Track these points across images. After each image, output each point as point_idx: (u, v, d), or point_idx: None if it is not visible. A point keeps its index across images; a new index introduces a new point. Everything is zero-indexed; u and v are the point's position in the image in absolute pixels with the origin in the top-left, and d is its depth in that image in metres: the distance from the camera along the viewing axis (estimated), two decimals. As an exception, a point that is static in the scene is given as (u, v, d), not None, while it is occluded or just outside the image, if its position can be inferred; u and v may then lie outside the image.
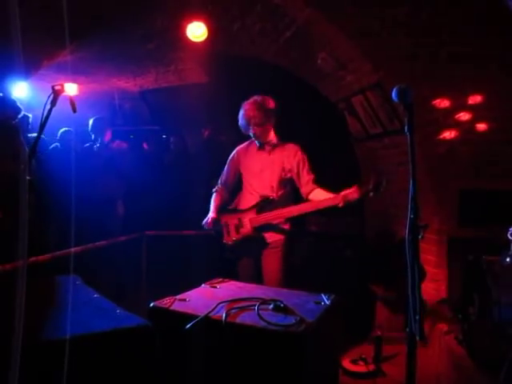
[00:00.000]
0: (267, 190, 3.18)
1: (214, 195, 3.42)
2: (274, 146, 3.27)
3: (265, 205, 3.13)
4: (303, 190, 3.18)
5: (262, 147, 3.27)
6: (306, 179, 3.18)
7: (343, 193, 2.89)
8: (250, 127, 3.17)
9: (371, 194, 2.83)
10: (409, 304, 1.57)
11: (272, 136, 3.29)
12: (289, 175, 3.20)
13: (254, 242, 3.15)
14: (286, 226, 3.22)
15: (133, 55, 5.34)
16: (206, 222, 3.25)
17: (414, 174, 1.66)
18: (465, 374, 2.81)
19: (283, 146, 3.28)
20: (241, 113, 3.21)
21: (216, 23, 4.21)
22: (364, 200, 2.99)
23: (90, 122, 5.45)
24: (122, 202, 5.62)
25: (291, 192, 3.25)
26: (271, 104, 3.21)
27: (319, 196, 3.06)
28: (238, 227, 3.16)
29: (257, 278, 3.15)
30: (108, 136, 5.53)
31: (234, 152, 3.42)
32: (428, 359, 3.19)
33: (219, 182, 3.46)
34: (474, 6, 3.49)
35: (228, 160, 3.43)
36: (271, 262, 3.15)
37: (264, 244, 3.15)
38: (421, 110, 3.59)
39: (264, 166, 3.22)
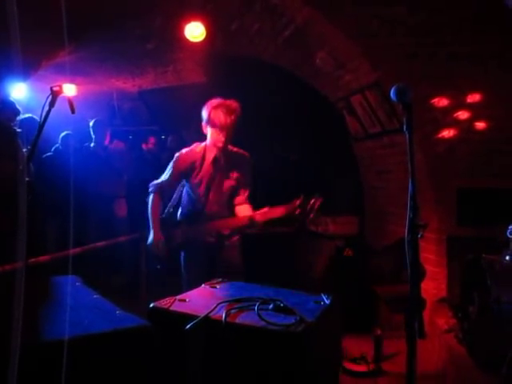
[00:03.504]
0: (210, 202, 3.03)
1: (151, 201, 3.11)
2: (228, 157, 3.04)
3: (195, 219, 3.02)
4: (237, 199, 3.07)
5: (217, 160, 3.02)
6: (244, 191, 3.08)
7: (251, 214, 2.88)
8: (220, 136, 2.92)
9: (297, 211, 2.73)
10: (409, 303, 1.57)
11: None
12: (232, 186, 3.05)
13: (193, 252, 3.04)
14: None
15: (131, 55, 5.34)
16: (156, 246, 2.99)
17: (413, 173, 1.66)
18: (465, 372, 2.81)
19: (237, 155, 3.09)
20: (211, 114, 2.91)
21: (214, 23, 4.21)
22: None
23: (91, 123, 5.47)
24: (125, 201, 5.64)
25: (229, 206, 3.10)
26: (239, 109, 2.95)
27: (244, 212, 2.99)
28: (169, 241, 3.03)
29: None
30: (107, 138, 5.57)
31: (188, 154, 3.08)
32: (428, 358, 3.19)
33: (157, 185, 3.14)
34: (472, 5, 3.49)
35: (178, 160, 3.09)
36: (234, 266, 3.07)
37: (215, 250, 3.05)
38: (419, 109, 3.59)
39: (214, 179, 3.03)
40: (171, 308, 2.01)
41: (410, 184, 1.65)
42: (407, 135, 1.68)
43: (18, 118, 3.81)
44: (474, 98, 3.73)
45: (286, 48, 4.61)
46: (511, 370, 2.26)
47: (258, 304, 1.98)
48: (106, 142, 5.52)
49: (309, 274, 4.70)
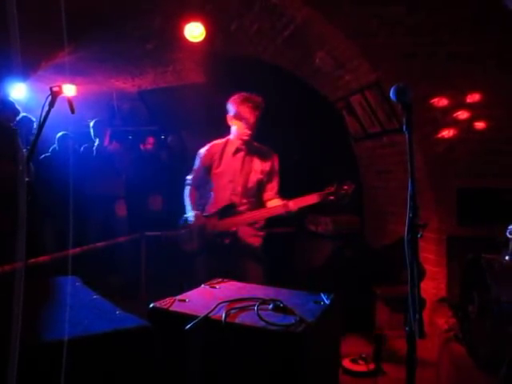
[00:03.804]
0: (236, 195, 3.08)
1: (188, 191, 3.27)
2: (252, 150, 3.13)
3: (227, 211, 3.03)
4: (265, 195, 3.16)
5: (238, 151, 3.12)
6: (272, 186, 3.16)
7: (284, 201, 2.91)
8: (246, 129, 3.03)
9: (331, 197, 2.82)
10: (408, 303, 1.57)
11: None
12: (259, 179, 3.11)
13: (219, 248, 3.04)
14: (261, 232, 3.15)
15: (131, 56, 5.34)
16: (191, 221, 3.07)
17: (412, 173, 1.66)
18: (464, 372, 2.81)
19: (260, 149, 3.17)
20: (239, 109, 3.02)
21: (214, 23, 4.21)
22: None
23: (91, 124, 5.48)
24: (124, 202, 5.66)
25: (257, 199, 3.16)
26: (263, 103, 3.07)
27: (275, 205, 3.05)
28: (200, 234, 3.05)
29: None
30: (107, 139, 5.59)
31: (208, 149, 3.21)
32: (428, 358, 3.19)
33: (191, 178, 3.30)
34: (471, 5, 3.50)
35: (200, 156, 3.23)
36: (252, 266, 3.09)
37: (236, 249, 3.06)
38: (419, 109, 3.59)
39: (237, 172, 3.09)
40: (171, 308, 2.02)
41: (409, 184, 1.65)
42: (407, 135, 1.68)
43: (18, 117, 3.82)
44: (473, 97, 3.74)
45: (285, 48, 4.60)
46: (511, 371, 2.26)
47: (257, 304, 1.98)
48: (106, 143, 5.53)
49: (308, 273, 4.71)
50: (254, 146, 3.14)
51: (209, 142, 3.27)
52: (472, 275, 3.00)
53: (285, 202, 2.90)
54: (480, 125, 3.78)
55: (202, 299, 2.15)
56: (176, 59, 5.53)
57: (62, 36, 2.83)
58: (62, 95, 2.42)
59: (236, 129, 3.08)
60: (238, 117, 3.02)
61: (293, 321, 1.81)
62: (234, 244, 3.04)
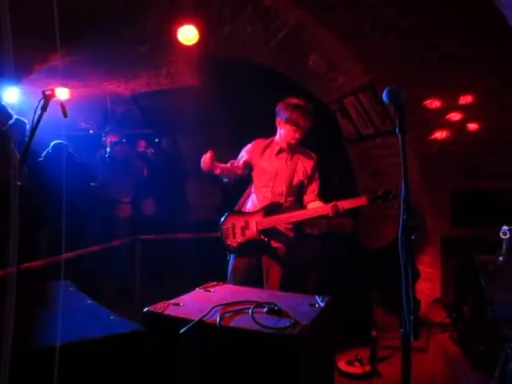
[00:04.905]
0: (278, 194, 3.13)
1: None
2: (294, 152, 3.18)
3: (272, 208, 3.08)
4: (305, 197, 3.22)
5: (282, 151, 3.16)
6: (312, 188, 3.22)
7: (333, 203, 2.92)
8: (296, 134, 3.06)
9: (379, 201, 2.90)
10: (403, 304, 1.57)
11: None
12: (300, 181, 3.17)
13: (258, 246, 3.10)
14: (291, 233, 3.20)
15: (124, 59, 5.33)
16: (203, 161, 3.02)
17: (405, 175, 1.66)
18: (460, 373, 2.82)
19: (303, 151, 3.22)
20: (292, 115, 3.03)
21: (207, 26, 4.21)
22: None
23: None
24: (130, 205, 5.72)
25: (297, 199, 3.23)
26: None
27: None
28: (244, 229, 3.10)
29: (251, 277, 3.11)
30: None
31: (253, 145, 3.24)
32: (424, 359, 3.19)
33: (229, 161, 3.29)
34: (463, 7, 3.51)
35: (245, 149, 3.26)
36: (274, 267, 3.13)
37: (268, 249, 3.11)
38: (412, 111, 3.61)
39: (280, 171, 3.14)
40: (165, 312, 2.01)
41: (402, 185, 1.65)
42: (400, 137, 1.69)
43: (10, 121, 3.79)
44: (466, 99, 3.75)
45: (278, 50, 4.61)
46: (504, 371, 2.27)
47: (252, 307, 1.98)
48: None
49: (303, 275, 4.70)
50: (297, 148, 3.19)
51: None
52: (466, 276, 3.01)
53: (334, 202, 2.92)
54: (473, 126, 3.80)
55: (197, 303, 2.14)
56: (169, 62, 5.53)
57: (54, 39, 2.81)
58: (55, 99, 2.40)
59: (284, 132, 3.10)
60: (291, 122, 3.04)
61: (287, 323, 1.81)
62: (269, 242, 3.10)
